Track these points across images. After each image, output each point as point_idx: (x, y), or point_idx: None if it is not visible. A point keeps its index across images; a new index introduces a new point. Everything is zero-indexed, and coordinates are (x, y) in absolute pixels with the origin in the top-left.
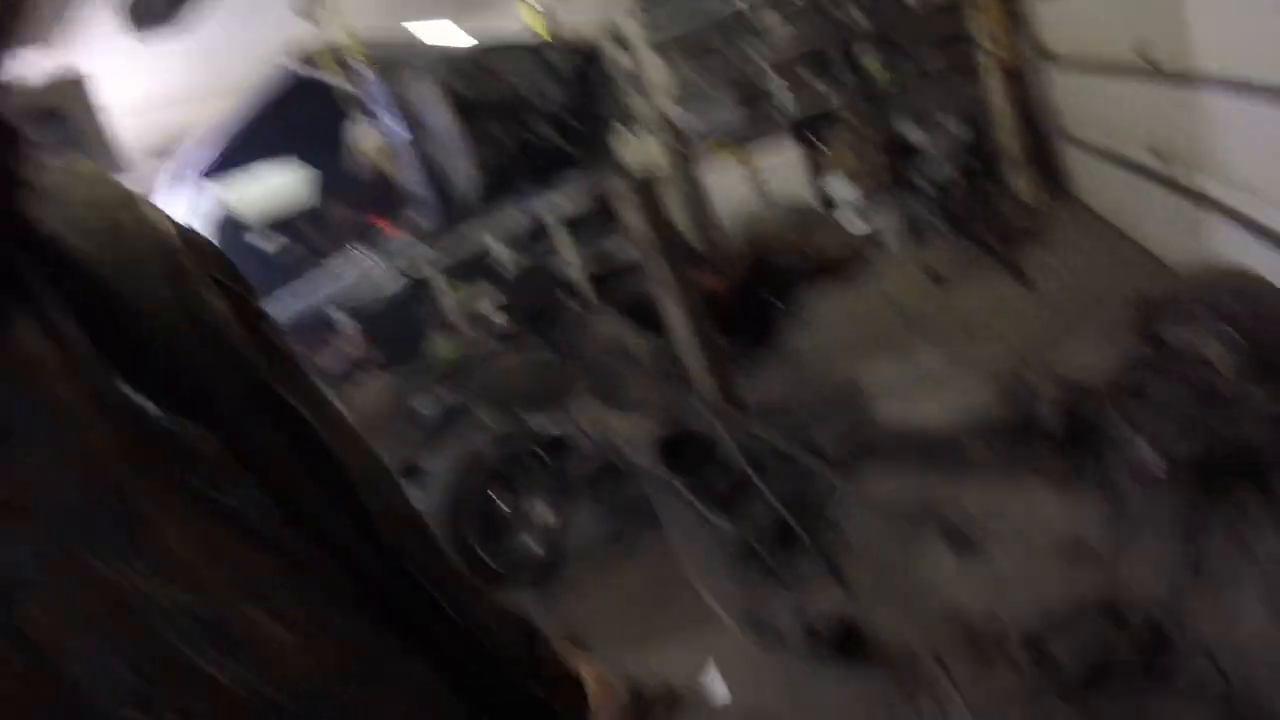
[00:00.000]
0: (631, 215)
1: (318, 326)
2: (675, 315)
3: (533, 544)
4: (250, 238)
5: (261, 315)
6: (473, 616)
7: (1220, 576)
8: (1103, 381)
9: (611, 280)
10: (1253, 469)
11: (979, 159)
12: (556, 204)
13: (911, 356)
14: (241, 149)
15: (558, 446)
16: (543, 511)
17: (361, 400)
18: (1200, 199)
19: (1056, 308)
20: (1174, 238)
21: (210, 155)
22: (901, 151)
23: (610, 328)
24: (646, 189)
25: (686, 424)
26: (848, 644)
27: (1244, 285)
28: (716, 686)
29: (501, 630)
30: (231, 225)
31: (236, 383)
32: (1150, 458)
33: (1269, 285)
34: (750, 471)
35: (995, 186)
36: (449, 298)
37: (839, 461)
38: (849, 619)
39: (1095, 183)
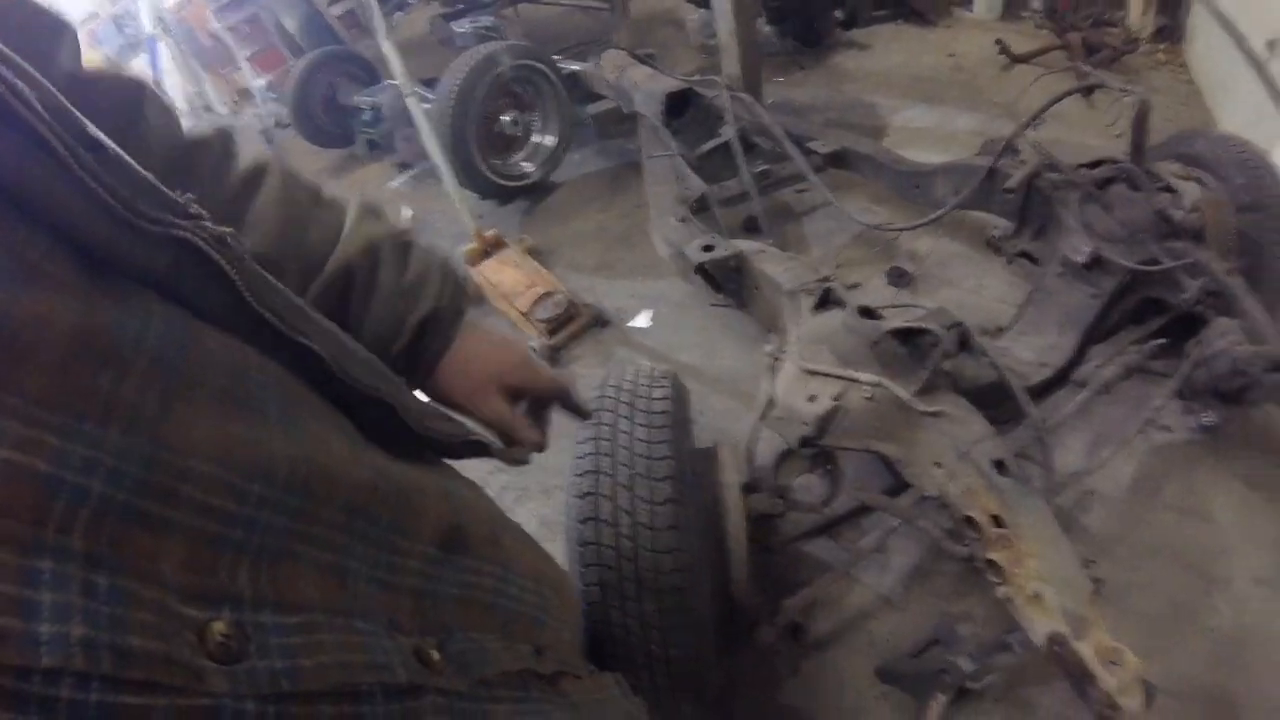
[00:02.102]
0: None
1: None
2: None
3: (528, 164)
4: None
5: None
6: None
7: (1084, 379)
8: (1073, 169)
9: None
10: (1163, 307)
11: None
12: None
13: (946, 114)
14: None
15: (574, 81)
16: (544, 135)
17: (407, 24)
18: None
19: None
20: (1246, 129)
21: None
22: None
23: None
24: None
25: (697, 90)
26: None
27: (1253, 161)
28: (641, 319)
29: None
30: None
31: None
32: (1078, 245)
33: (1274, 173)
34: (737, 144)
35: (1109, 2)
36: None
37: (821, 168)
38: (740, 259)
39: (1204, 45)
